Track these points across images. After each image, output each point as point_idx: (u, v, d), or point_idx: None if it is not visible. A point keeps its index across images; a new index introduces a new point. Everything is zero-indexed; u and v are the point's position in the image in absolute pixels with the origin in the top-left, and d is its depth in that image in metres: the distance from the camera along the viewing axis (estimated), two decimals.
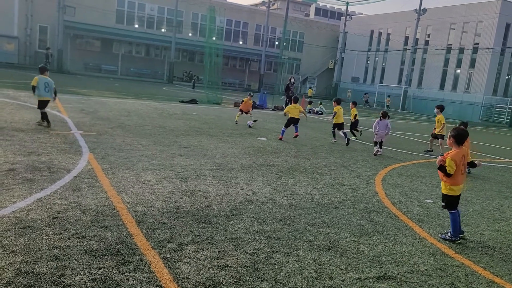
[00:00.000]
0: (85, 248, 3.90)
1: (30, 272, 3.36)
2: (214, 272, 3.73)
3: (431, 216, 6.27)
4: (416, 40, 44.12)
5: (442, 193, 5.32)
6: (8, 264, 3.45)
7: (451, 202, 5.22)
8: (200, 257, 4.00)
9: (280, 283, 3.68)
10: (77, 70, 40.63)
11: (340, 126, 13.26)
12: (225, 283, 3.56)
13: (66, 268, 3.49)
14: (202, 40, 39.60)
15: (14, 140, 8.02)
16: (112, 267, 3.60)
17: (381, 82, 48.38)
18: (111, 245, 4.02)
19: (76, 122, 11.05)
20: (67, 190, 5.48)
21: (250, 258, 4.10)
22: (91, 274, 3.45)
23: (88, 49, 44.79)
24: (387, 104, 41.77)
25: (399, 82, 46.34)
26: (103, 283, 3.32)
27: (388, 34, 49.54)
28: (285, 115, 13.44)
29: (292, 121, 13.00)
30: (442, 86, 42.48)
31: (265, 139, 12.14)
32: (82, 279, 3.34)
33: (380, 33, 50.71)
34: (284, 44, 49.76)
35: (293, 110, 13.08)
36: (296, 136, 13.03)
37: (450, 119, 36.74)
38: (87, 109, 14.12)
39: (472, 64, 39.75)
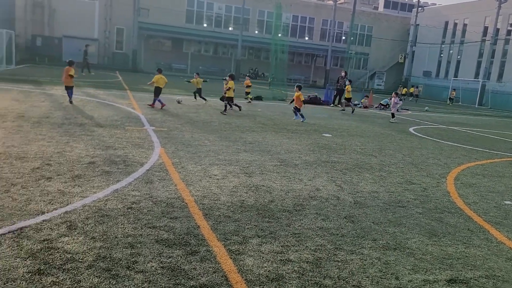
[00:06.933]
0: (156, 237, 4.13)
1: (108, 257, 3.64)
2: (277, 266, 3.78)
3: (510, 218, 5.84)
4: (497, 30, 40.92)
5: None
6: (89, 249, 3.76)
7: None
8: (264, 250, 4.08)
9: (343, 280, 3.65)
10: (150, 69, 42.73)
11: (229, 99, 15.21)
12: (288, 277, 3.60)
13: (139, 255, 3.73)
14: (268, 37, 39.84)
15: (94, 136, 8.66)
16: (181, 257, 3.78)
17: (455, 76, 45.56)
18: (179, 235, 4.23)
19: (148, 119, 11.66)
20: (140, 182, 5.82)
21: (313, 254, 4.10)
22: (161, 262, 3.65)
23: (160, 48, 46.85)
24: (451, 97, 39.65)
25: (476, 75, 43.35)
26: (172, 271, 3.51)
27: (465, 25, 46.46)
28: (152, 83, 14.88)
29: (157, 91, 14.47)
30: None
31: (330, 135, 11.98)
32: (153, 266, 3.56)
33: (455, 24, 47.72)
34: (351, 38, 48.59)
35: (160, 80, 14.54)
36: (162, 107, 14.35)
37: None
38: (159, 106, 14.81)
39: None
